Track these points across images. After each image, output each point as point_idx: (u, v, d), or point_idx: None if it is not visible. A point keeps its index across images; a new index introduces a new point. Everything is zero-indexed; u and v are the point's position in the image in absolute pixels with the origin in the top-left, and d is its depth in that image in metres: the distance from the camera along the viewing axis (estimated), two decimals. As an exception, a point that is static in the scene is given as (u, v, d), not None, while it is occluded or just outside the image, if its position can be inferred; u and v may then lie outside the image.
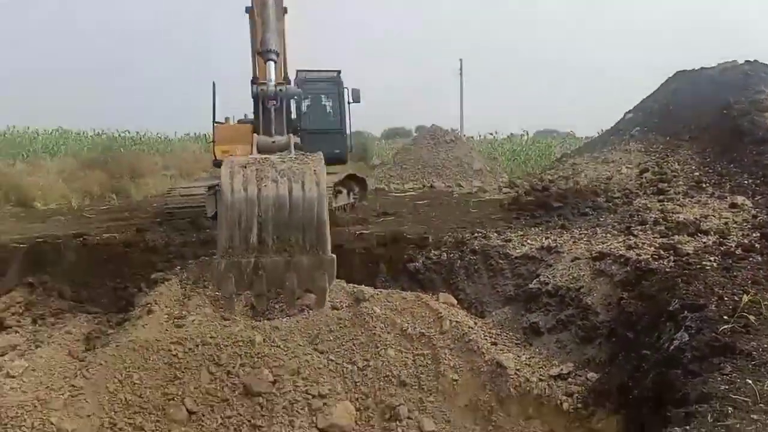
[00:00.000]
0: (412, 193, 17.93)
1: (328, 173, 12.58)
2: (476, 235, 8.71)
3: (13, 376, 5.99)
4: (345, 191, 12.52)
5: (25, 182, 15.96)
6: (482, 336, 6.37)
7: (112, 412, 5.37)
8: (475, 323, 6.74)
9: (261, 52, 5.41)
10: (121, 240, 9.00)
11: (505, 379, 5.74)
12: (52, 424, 5.10)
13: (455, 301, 7.40)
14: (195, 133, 31.06)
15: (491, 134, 33.91)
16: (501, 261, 7.92)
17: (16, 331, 7.20)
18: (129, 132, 28.80)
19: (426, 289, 7.74)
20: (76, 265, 8.45)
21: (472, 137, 33.07)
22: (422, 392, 5.80)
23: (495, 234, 8.77)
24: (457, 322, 6.42)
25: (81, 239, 8.99)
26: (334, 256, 4.26)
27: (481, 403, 5.64)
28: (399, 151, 24.16)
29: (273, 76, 5.01)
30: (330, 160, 12.76)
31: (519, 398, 5.60)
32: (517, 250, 8.02)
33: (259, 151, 4.25)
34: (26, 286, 8.00)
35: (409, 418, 5.53)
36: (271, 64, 5.16)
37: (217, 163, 12.89)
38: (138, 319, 6.57)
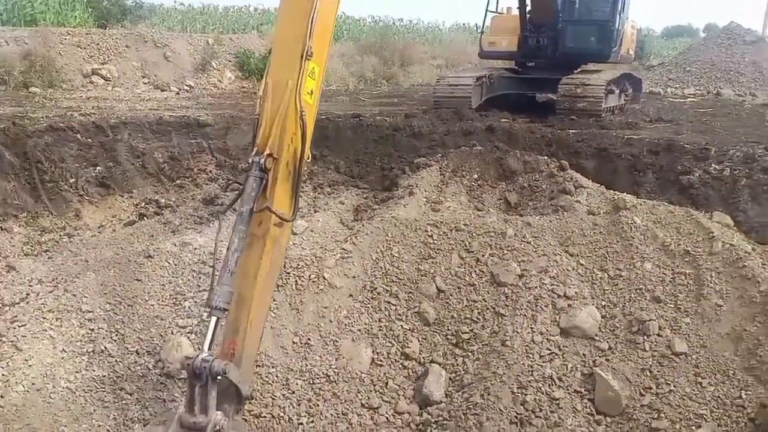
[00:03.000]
0: (693, 99, 16.11)
1: (599, 70, 11.73)
2: (772, 151, 7.56)
3: (296, 234, 6.94)
4: (617, 91, 11.61)
5: (312, 65, 17.61)
6: (760, 264, 5.65)
7: (373, 278, 5.94)
8: (754, 249, 5.99)
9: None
10: (390, 124, 9.58)
11: (784, 314, 5.08)
12: (324, 278, 5.81)
13: (732, 222, 6.65)
14: (464, 24, 31.13)
15: (805, 35, 28.36)
16: (800, 183, 6.83)
17: (300, 196, 8.25)
18: (402, 20, 29.97)
19: (698, 206, 7.05)
20: (351, 143, 9.27)
21: (778, 38, 28.04)
22: (678, 312, 5.41)
23: (795, 152, 7.53)
24: (731, 244, 5.77)
25: (357, 119, 9.76)
26: None
27: (746, 335, 5.08)
28: (683, 52, 21.72)
29: (207, 341, 3.42)
30: (591, 57, 11.83)
31: (798, 338, 4.94)
32: (824, 174, 6.82)
33: (181, 427, 3.59)
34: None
35: (659, 335, 5.22)
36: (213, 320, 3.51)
37: (483, 54, 12.81)
38: (400, 199, 7.05)
